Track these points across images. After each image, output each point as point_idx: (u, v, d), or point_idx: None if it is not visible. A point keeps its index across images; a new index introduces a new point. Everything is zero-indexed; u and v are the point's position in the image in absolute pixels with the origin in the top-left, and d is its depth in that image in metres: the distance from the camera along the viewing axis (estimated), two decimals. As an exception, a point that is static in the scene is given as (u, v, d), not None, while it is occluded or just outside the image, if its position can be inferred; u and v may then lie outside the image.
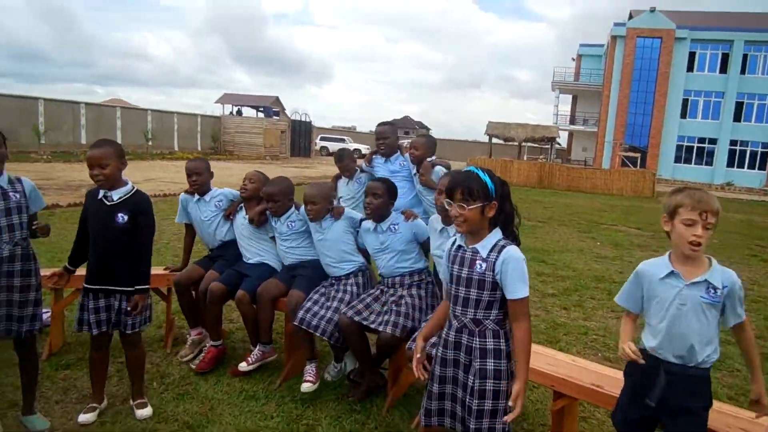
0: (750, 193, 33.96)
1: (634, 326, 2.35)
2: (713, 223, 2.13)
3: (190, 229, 4.23)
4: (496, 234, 2.29)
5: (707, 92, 40.18)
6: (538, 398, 3.64)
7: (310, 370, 3.47)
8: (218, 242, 4.10)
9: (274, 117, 37.80)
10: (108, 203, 2.90)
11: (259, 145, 34.71)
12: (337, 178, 4.92)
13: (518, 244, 2.30)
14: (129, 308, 2.97)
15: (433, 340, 2.91)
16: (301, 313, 3.36)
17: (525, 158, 37.19)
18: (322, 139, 46.23)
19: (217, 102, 37.20)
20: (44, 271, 3.13)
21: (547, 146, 36.76)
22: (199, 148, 33.41)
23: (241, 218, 3.97)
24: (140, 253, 2.99)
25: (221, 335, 3.88)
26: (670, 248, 2.30)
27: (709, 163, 40.56)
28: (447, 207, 2.29)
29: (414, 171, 4.39)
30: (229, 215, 4.05)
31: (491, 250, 2.24)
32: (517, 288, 2.19)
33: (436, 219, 3.31)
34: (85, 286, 2.95)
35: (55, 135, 24.71)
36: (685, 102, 40.50)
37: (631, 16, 41.53)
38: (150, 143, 29.50)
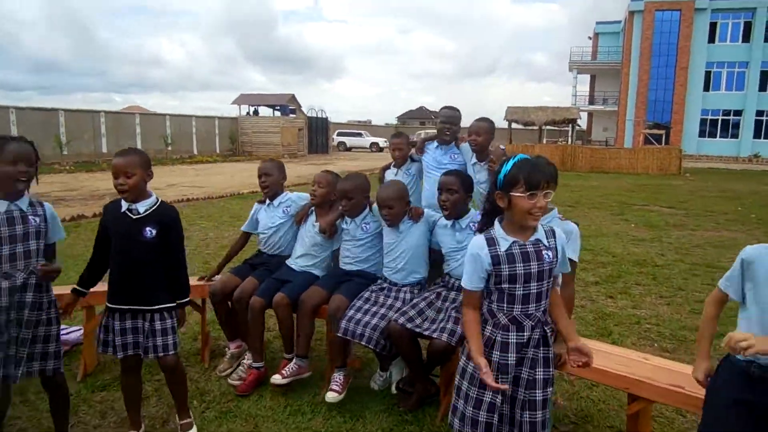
0: (779, 164, 33.02)
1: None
2: None
3: (244, 239, 4.07)
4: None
5: (730, 63, 39.17)
6: (600, 397, 3.41)
7: (337, 378, 3.28)
8: (273, 249, 3.89)
9: (291, 115, 37.70)
10: (133, 216, 2.71)
11: (276, 144, 34.65)
12: (385, 168, 4.65)
13: None
14: (176, 324, 2.86)
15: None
16: (344, 323, 3.15)
17: (544, 141, 36.61)
18: (339, 134, 46.10)
19: (233, 103, 37.20)
20: (59, 289, 2.95)
21: (566, 128, 36.14)
22: (218, 151, 33.49)
23: (310, 225, 3.73)
24: (177, 267, 2.85)
25: (264, 355, 3.65)
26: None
27: (735, 135, 39.60)
28: (530, 201, 2.05)
29: (472, 161, 4.04)
30: (300, 220, 3.81)
31: (548, 237, 2.20)
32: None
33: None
34: (109, 306, 2.78)
35: (76, 145, 24.92)
36: (707, 74, 39.54)
37: (647, -10, 40.50)
38: (170, 148, 29.62)
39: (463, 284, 2.25)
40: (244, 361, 3.67)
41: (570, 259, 2.35)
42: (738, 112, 39.16)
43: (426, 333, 2.99)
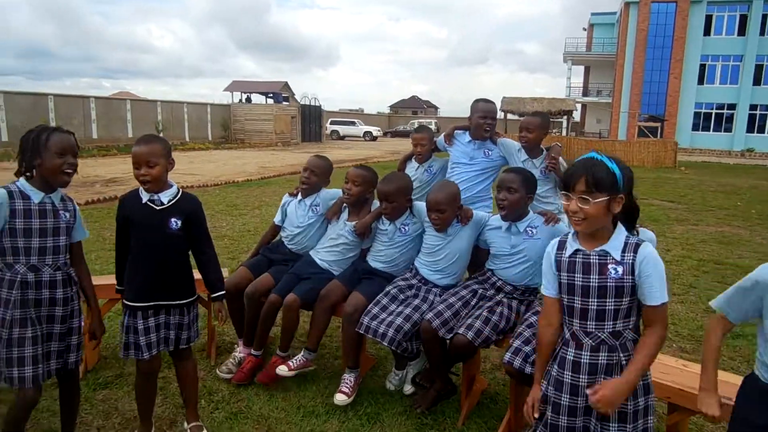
0: (771, 159, 33.16)
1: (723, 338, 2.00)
2: None
3: (274, 231, 3.85)
4: (622, 231, 1.97)
5: (725, 56, 39.07)
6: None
7: (348, 380, 3.14)
8: (297, 247, 3.71)
9: (284, 102, 37.32)
10: (157, 207, 2.56)
11: (269, 132, 34.29)
12: (405, 160, 4.39)
13: None
14: (216, 319, 2.82)
15: (527, 349, 2.58)
16: (366, 320, 2.99)
17: (539, 133, 36.35)
18: (332, 123, 45.71)
19: (226, 90, 36.75)
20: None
21: (559, 120, 35.96)
22: (210, 138, 33.07)
23: (342, 223, 3.53)
24: (207, 257, 2.74)
25: (265, 347, 3.54)
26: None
27: (728, 129, 39.60)
28: (564, 201, 1.95)
29: (522, 158, 3.77)
30: (332, 216, 3.61)
31: (624, 250, 1.93)
32: (659, 292, 1.89)
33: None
34: (131, 304, 2.59)
35: (66, 131, 24.46)
36: (702, 67, 39.45)
37: (644, -18, 40.29)
38: (161, 135, 29.04)
39: (542, 290, 2.16)
40: (235, 353, 3.55)
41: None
42: (732, 106, 39.15)
43: (452, 331, 2.84)
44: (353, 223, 3.46)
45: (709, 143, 38.58)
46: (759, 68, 38.43)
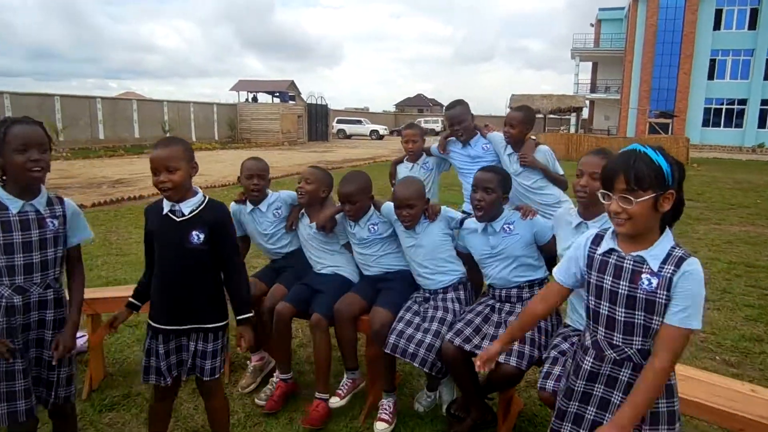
0: (783, 155, 32.68)
1: None
2: None
3: (243, 242, 3.53)
4: (668, 238, 1.71)
5: (735, 51, 38.57)
6: None
7: (387, 405, 2.91)
8: (283, 254, 3.49)
9: (290, 102, 37.11)
10: (177, 219, 2.28)
11: (276, 131, 34.11)
12: (396, 163, 4.29)
13: None
14: (240, 346, 2.45)
15: (557, 370, 2.35)
16: (392, 338, 2.75)
17: (546, 130, 36.10)
18: (338, 121, 45.47)
19: (232, 89, 36.58)
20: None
21: (567, 117, 35.60)
22: (217, 138, 32.91)
23: (306, 227, 3.34)
24: (233, 275, 2.41)
25: (291, 366, 3.26)
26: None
27: (739, 125, 39.11)
28: (603, 201, 1.71)
29: (507, 152, 3.73)
30: (291, 226, 3.42)
31: (665, 261, 1.67)
32: (692, 317, 1.65)
33: (568, 211, 2.69)
34: (153, 325, 2.34)
35: (72, 132, 24.36)
36: (712, 62, 38.97)
37: (653, -24, 39.81)
38: (168, 135, 29.04)
39: (554, 272, 2.01)
40: (273, 378, 3.27)
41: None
42: (742, 101, 38.64)
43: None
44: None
45: (719, 139, 38.10)
46: (770, 63, 37.92)
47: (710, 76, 39.10)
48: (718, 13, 38.37)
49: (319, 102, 38.87)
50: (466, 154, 3.89)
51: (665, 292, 1.66)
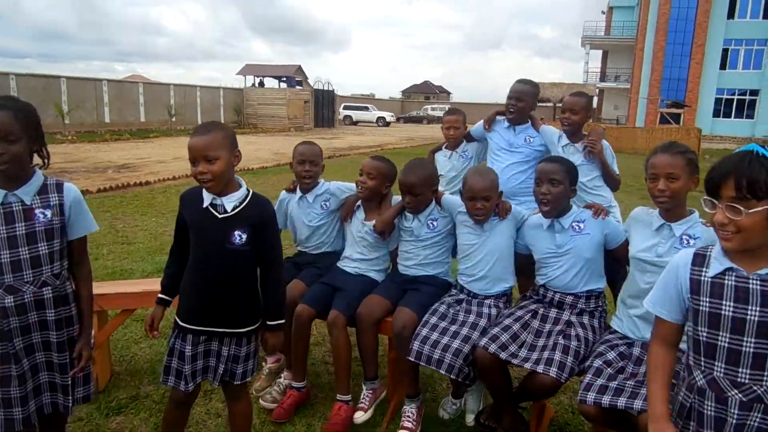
0: (796, 146, 32.27)
1: None
2: None
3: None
4: None
5: (749, 40, 37.99)
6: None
7: (410, 413, 2.75)
8: (317, 249, 3.28)
9: (297, 87, 36.79)
10: (219, 215, 2.10)
11: (282, 116, 33.83)
12: (434, 151, 4.09)
13: None
14: (265, 350, 2.32)
15: (600, 382, 2.19)
16: (416, 345, 2.57)
17: (555, 119, 35.76)
18: (345, 108, 45.12)
19: (238, 73, 36.26)
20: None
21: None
22: (223, 122, 32.63)
23: (359, 222, 3.12)
24: (272, 277, 2.23)
25: (306, 374, 3.07)
26: None
27: (750, 116, 38.64)
28: (707, 210, 1.51)
29: (562, 143, 3.47)
30: (347, 217, 3.17)
31: None
32: None
33: (646, 212, 2.47)
34: (181, 324, 2.19)
35: (78, 114, 24.17)
36: (724, 52, 38.42)
37: (667, -37, 39.12)
38: (174, 119, 28.85)
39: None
40: (280, 380, 3.12)
41: None
42: (755, 92, 38.12)
43: (526, 365, 2.39)
44: (372, 222, 3.04)
45: (729, 130, 37.64)
46: (784, 53, 37.37)
47: (722, 66, 38.57)
48: (733, 2, 37.76)
49: (325, 87, 38.53)
50: (506, 139, 3.64)
51: None
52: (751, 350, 1.48)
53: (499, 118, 3.76)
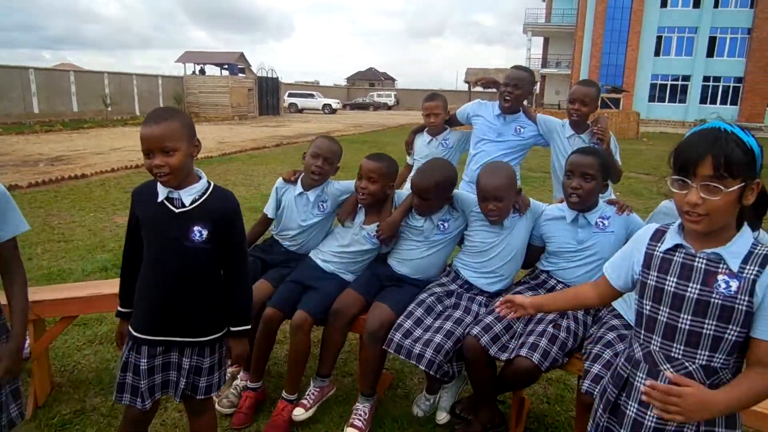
0: (725, 129, 33.96)
1: None
2: None
3: (266, 224, 3.09)
4: (748, 234, 1.44)
5: (680, 28, 39.60)
6: None
7: (361, 410, 2.57)
8: (298, 248, 3.02)
9: (240, 74, 35.79)
10: (176, 210, 1.87)
11: (225, 105, 32.83)
12: (415, 131, 3.86)
13: None
14: (229, 361, 2.06)
15: (596, 369, 2.10)
16: (397, 337, 2.39)
17: (501, 105, 36.21)
18: (290, 95, 44.29)
19: (177, 61, 34.92)
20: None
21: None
22: (178, 108, 31.40)
23: (358, 224, 2.85)
24: (237, 280, 1.99)
25: (262, 375, 2.84)
26: None
27: (683, 100, 40.39)
28: (675, 190, 1.40)
29: (567, 134, 3.35)
30: (347, 217, 2.90)
31: (747, 261, 1.40)
32: None
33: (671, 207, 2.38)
34: (135, 334, 1.93)
35: (3, 105, 22.66)
36: (659, 39, 39.91)
37: (603, -49, 40.15)
38: (109, 109, 27.50)
39: (606, 266, 1.74)
40: (237, 381, 2.88)
41: None
42: (686, 78, 39.81)
43: (511, 355, 2.25)
44: (372, 226, 2.79)
45: (664, 114, 39.26)
46: (713, 40, 39.12)
47: (657, 53, 40.05)
48: (665, -9, 39.19)
49: (269, 75, 37.67)
50: (494, 128, 3.46)
51: (747, 298, 1.38)
52: (687, 327, 1.47)
53: (486, 102, 3.58)
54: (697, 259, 1.45)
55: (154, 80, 31.74)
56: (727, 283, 1.41)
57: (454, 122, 3.79)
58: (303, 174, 2.97)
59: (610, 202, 2.56)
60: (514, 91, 3.37)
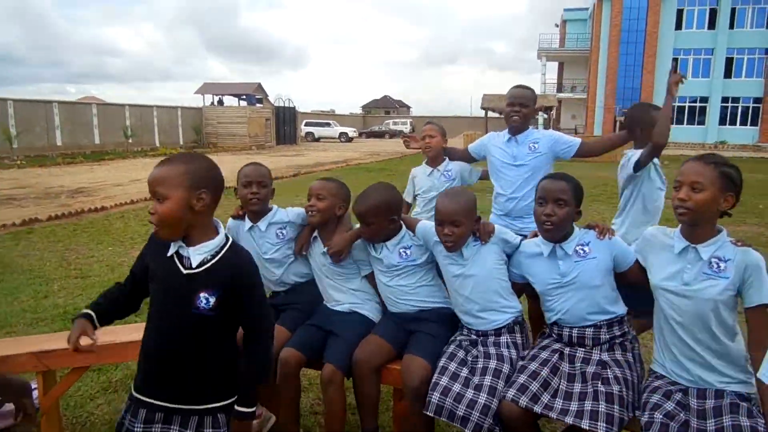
0: (743, 150, 33.55)
1: None
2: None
3: None
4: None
5: (696, 50, 39.46)
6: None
7: None
8: (288, 286, 2.87)
9: (257, 105, 36.27)
10: (184, 271, 1.71)
11: (243, 135, 33.23)
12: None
13: None
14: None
15: (654, 399, 2.01)
16: (435, 397, 2.20)
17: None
18: (307, 124, 44.74)
19: (197, 92, 35.53)
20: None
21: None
22: (182, 142, 31.85)
23: (319, 253, 2.74)
24: (252, 353, 1.80)
25: (299, 427, 2.65)
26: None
27: (702, 122, 40.02)
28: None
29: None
30: (301, 251, 2.80)
31: None
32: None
33: (663, 231, 2.19)
34: (135, 395, 1.78)
35: (27, 138, 23.11)
36: (675, 61, 39.65)
37: (616, -24, 40.39)
38: (130, 140, 27.94)
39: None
40: None
41: None
42: (704, 99, 39.48)
43: (565, 418, 2.03)
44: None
45: (683, 136, 38.81)
46: (729, 61, 38.90)
47: (673, 75, 39.87)
48: (680, 13, 39.19)
49: (286, 104, 38.12)
50: (509, 153, 3.34)
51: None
52: None
53: (493, 133, 3.49)
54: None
55: (174, 112, 32.27)
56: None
57: (453, 158, 3.67)
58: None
59: (589, 226, 2.40)
60: (522, 110, 3.28)
